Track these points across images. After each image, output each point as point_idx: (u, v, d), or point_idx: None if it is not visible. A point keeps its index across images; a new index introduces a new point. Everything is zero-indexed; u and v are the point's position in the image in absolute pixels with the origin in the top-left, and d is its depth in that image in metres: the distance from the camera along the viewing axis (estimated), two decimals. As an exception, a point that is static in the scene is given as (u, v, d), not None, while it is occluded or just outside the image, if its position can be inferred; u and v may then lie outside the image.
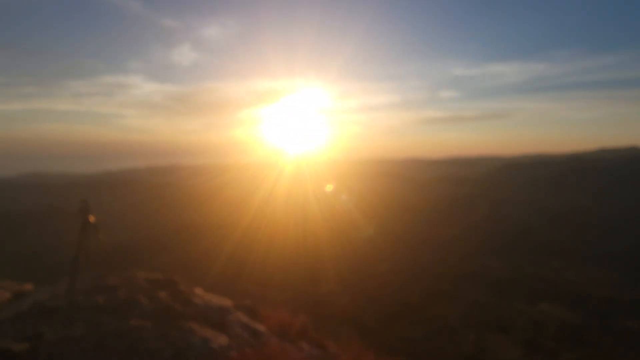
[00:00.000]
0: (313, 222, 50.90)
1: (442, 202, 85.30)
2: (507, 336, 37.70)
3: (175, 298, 7.48)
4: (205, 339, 6.29)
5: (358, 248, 49.82)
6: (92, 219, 7.07)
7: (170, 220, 65.97)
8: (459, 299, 46.29)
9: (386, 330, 36.61)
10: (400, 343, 34.05)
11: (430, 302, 45.70)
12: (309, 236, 48.21)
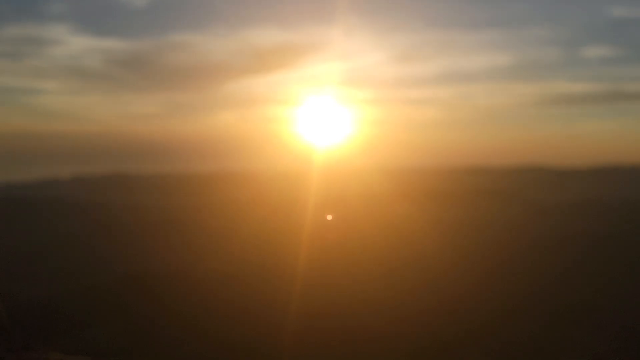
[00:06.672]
0: (346, 244, 45.80)
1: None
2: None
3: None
4: None
5: (393, 272, 44.66)
6: None
7: (113, 263, 48.23)
8: (508, 334, 40.37)
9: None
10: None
11: (474, 337, 39.89)
12: (339, 260, 43.32)
